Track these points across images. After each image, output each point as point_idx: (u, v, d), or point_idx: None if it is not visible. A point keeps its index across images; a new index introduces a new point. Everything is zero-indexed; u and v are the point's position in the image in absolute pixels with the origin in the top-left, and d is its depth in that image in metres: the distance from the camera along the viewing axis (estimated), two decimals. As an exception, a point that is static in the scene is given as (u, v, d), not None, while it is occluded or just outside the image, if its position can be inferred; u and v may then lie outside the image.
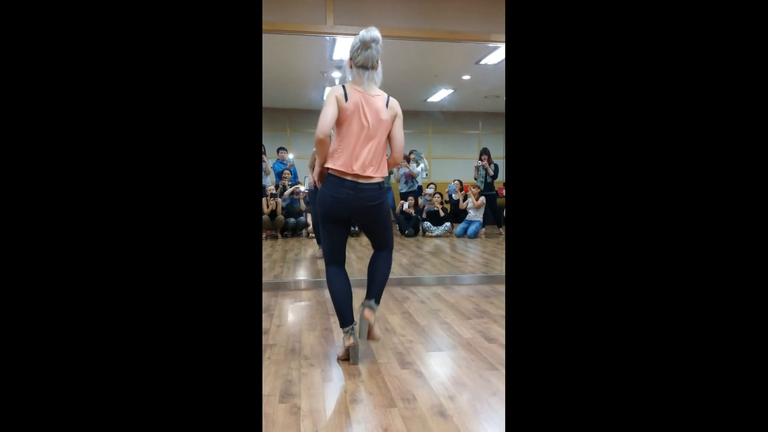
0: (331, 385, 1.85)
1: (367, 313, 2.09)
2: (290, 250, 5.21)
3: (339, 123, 1.98)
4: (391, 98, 2.03)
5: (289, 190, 6.22)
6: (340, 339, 2.36)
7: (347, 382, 1.87)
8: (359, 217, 2.03)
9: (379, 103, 1.98)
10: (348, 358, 2.08)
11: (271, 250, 5.15)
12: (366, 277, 2.17)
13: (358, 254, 4.79)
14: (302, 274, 3.91)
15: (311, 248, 5.30)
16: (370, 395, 1.76)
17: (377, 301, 2.12)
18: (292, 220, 6.27)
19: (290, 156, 6.79)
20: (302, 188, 6.32)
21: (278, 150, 6.58)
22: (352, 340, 2.03)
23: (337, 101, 1.94)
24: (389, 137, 2.06)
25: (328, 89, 6.14)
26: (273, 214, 6.03)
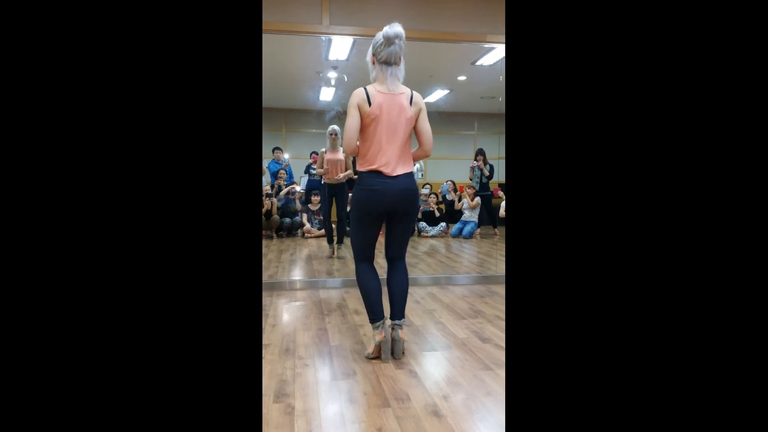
0: (326, 384, 1.85)
1: (401, 333, 2.11)
2: (285, 250, 5.20)
3: (364, 126, 1.99)
4: (414, 93, 2.04)
5: (285, 190, 6.21)
6: (335, 338, 2.36)
7: (341, 381, 1.87)
8: (395, 204, 2.01)
9: (404, 101, 1.99)
10: (380, 354, 2.09)
11: (266, 250, 5.14)
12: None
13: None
14: (297, 274, 3.90)
15: (307, 248, 5.30)
16: (365, 395, 1.76)
17: (403, 317, 2.13)
18: (287, 219, 6.26)
19: (285, 156, 6.78)
20: (298, 188, 6.31)
21: (273, 150, 6.56)
22: (383, 335, 2.05)
23: (360, 107, 1.95)
24: (416, 131, 2.07)
25: (324, 89, 6.15)
26: (268, 213, 6.02)
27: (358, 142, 2.02)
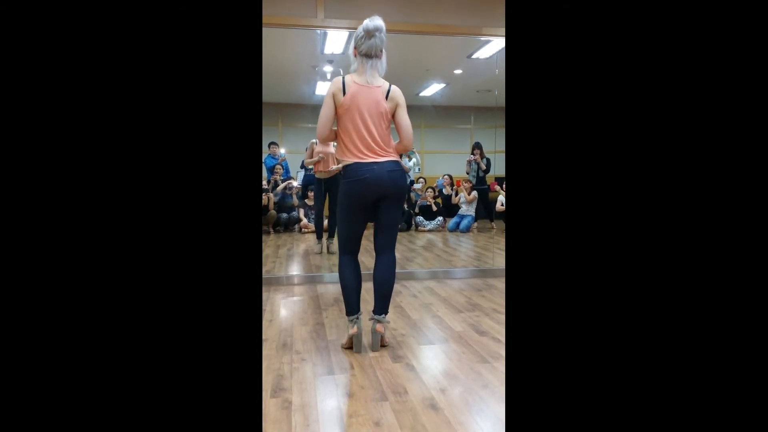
0: (323, 379, 1.85)
1: (378, 327, 2.12)
2: (282, 245, 5.20)
3: (338, 116, 2.03)
4: (393, 87, 2.05)
5: (282, 185, 6.20)
6: (332, 333, 2.37)
7: (339, 376, 1.87)
8: (387, 189, 2.03)
9: (378, 95, 2.00)
10: (351, 346, 2.13)
11: (263, 246, 5.13)
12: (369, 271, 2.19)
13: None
14: (295, 269, 3.90)
15: (304, 243, 5.29)
16: (362, 389, 1.76)
17: (386, 313, 2.15)
18: (284, 215, 6.25)
19: (282, 151, 6.76)
20: (295, 183, 6.30)
21: (270, 145, 6.54)
22: (355, 329, 2.08)
23: (334, 97, 1.99)
24: (396, 125, 2.09)
25: (320, 83, 6.13)
26: (265, 209, 6.01)
27: (334, 128, 2.06)
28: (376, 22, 1.95)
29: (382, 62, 2.03)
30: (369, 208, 2.08)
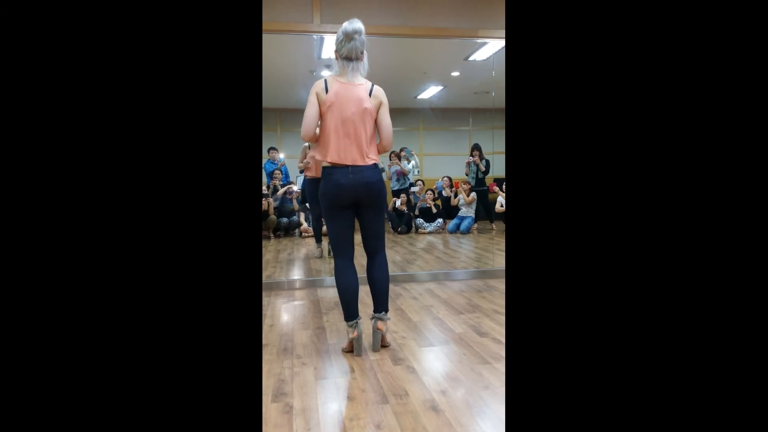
0: (324, 382, 1.85)
1: (379, 324, 2.14)
2: (283, 249, 5.20)
3: (322, 114, 2.03)
4: (375, 86, 2.06)
5: (281, 190, 6.21)
6: (333, 337, 2.37)
7: (340, 379, 1.88)
8: (362, 197, 2.04)
9: (361, 92, 2.02)
10: (352, 350, 2.14)
11: (263, 250, 5.14)
12: (364, 274, 2.20)
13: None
14: (295, 274, 3.90)
15: (304, 248, 5.29)
16: (363, 392, 1.76)
17: (386, 310, 2.15)
18: (284, 219, 6.25)
19: (281, 156, 6.77)
20: (295, 188, 6.30)
21: (269, 150, 6.56)
22: (356, 333, 2.09)
23: (317, 96, 2.00)
24: (376, 124, 2.09)
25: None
26: (265, 214, 6.02)
27: (317, 131, 2.06)
28: (355, 24, 1.96)
29: (364, 64, 2.04)
30: (348, 208, 2.08)
